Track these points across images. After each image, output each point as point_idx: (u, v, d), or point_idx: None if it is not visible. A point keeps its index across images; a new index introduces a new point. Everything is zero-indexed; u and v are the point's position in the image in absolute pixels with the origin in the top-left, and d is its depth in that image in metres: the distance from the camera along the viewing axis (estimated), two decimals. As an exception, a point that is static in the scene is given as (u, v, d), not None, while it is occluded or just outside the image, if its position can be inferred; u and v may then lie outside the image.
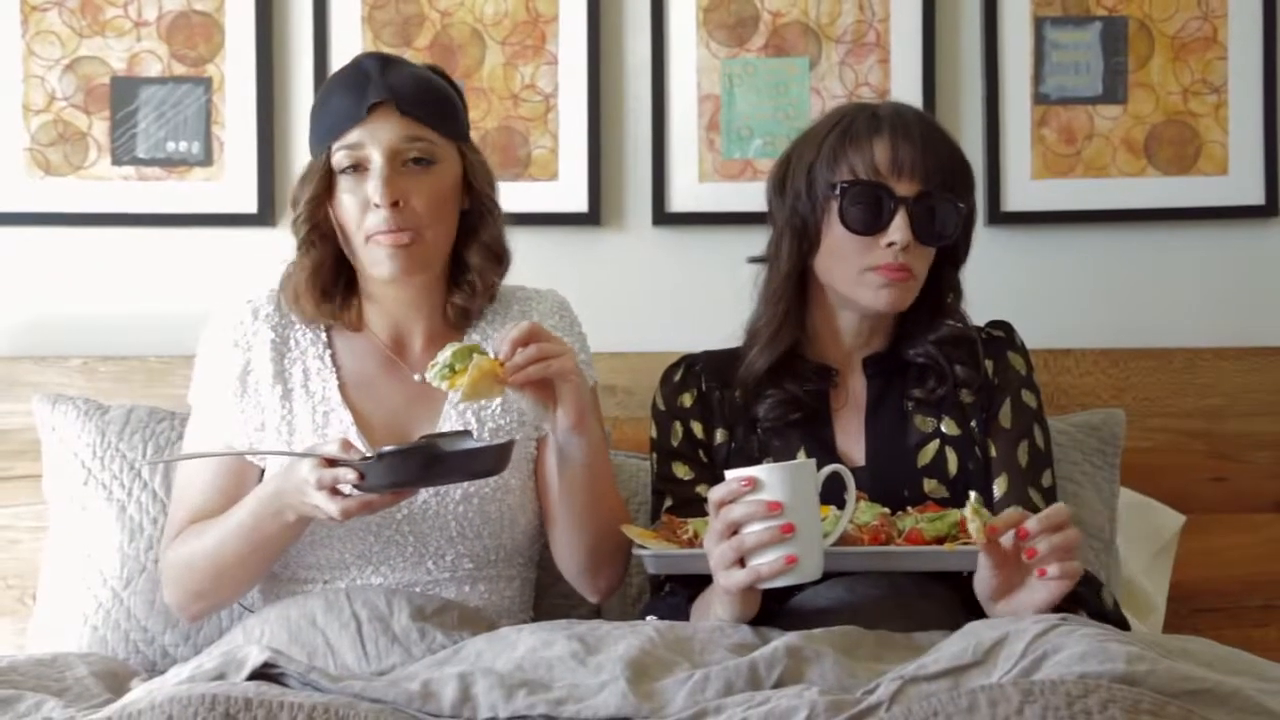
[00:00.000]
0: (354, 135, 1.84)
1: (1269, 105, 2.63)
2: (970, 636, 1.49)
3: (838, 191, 1.86)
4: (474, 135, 2.51)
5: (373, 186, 1.82)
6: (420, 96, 1.86)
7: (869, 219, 1.84)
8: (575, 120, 2.59)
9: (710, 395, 1.97)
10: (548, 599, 2.10)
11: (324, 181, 1.86)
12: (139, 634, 2.07)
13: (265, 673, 1.50)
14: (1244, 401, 2.53)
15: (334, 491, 1.67)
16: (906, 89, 2.60)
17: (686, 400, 1.98)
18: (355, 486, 1.65)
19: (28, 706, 1.57)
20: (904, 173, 1.84)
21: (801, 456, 1.88)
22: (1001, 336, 2.00)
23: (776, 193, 1.96)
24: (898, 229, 1.83)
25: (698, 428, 1.96)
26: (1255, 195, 2.63)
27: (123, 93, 2.57)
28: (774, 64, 2.63)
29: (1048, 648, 1.41)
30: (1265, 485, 2.53)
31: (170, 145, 2.58)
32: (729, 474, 1.65)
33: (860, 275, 1.87)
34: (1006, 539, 1.61)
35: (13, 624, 2.38)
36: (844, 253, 1.87)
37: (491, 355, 1.71)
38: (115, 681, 1.81)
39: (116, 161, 2.58)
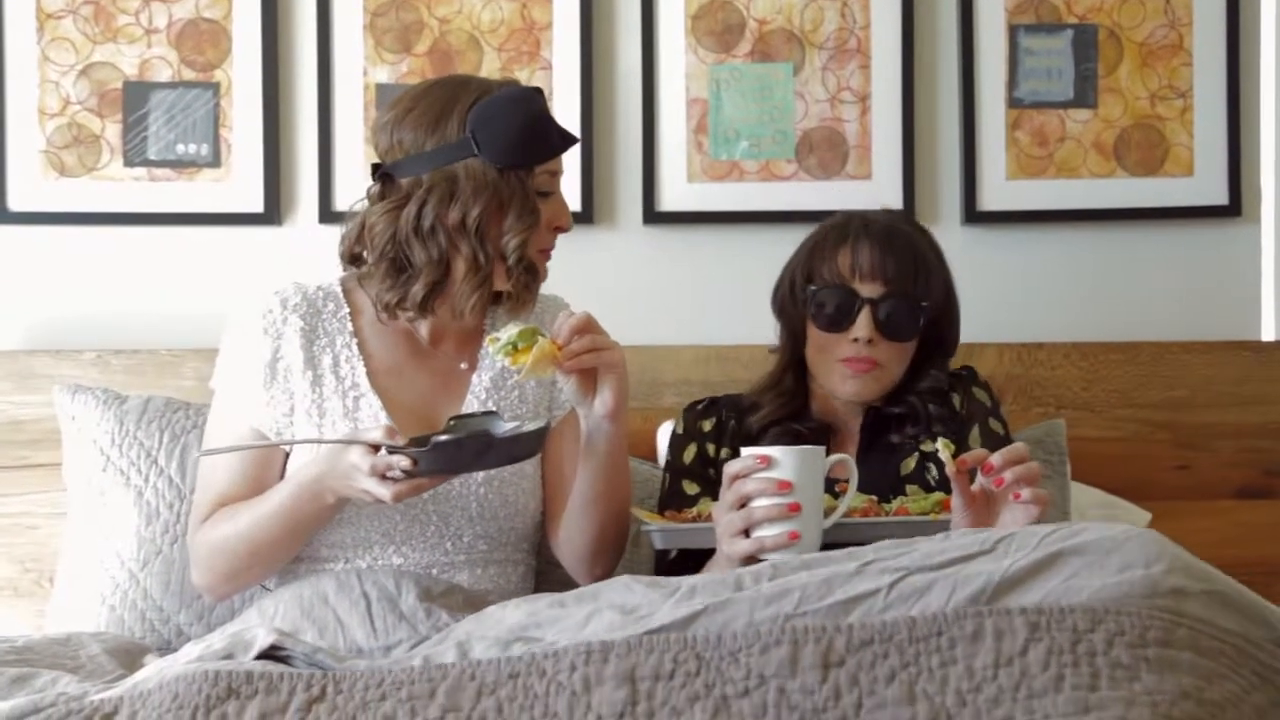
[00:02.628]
0: (555, 164, 1.94)
1: (1232, 109, 2.68)
2: (978, 532, 1.52)
3: (809, 295, 2.06)
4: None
5: (563, 212, 1.95)
6: None
7: (836, 318, 2.04)
8: (568, 123, 2.53)
9: (726, 423, 2.13)
10: (545, 585, 2.11)
11: (537, 208, 1.91)
12: (155, 613, 2.11)
13: (272, 654, 1.52)
14: (1208, 393, 2.58)
15: (383, 476, 1.73)
16: (886, 93, 2.66)
17: (706, 426, 2.13)
18: (405, 472, 1.72)
19: (43, 683, 1.58)
20: (865, 276, 2.03)
21: None
22: (965, 375, 2.16)
23: (774, 296, 2.17)
24: (861, 326, 2.02)
25: (710, 448, 2.11)
26: (1219, 196, 2.68)
27: (134, 97, 2.62)
28: (759, 69, 2.68)
29: (1064, 546, 1.39)
30: (1227, 473, 2.58)
31: (180, 147, 2.62)
32: (745, 450, 1.76)
33: (832, 367, 2.06)
34: (977, 484, 1.73)
35: (31, 605, 2.42)
36: (821, 347, 2.07)
37: (550, 338, 1.79)
38: (128, 658, 1.83)
39: (128, 163, 2.62)
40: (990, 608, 1.31)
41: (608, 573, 2.00)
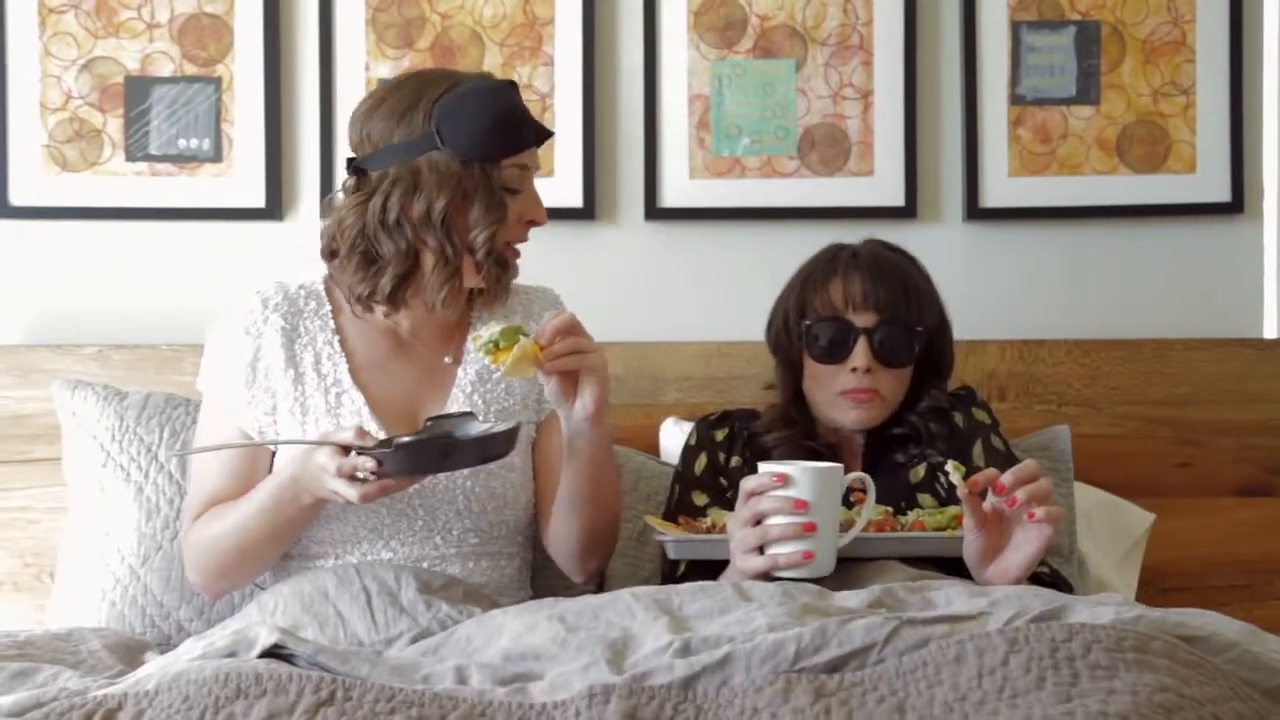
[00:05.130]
0: (525, 157, 1.93)
1: (1235, 106, 2.67)
2: (981, 596, 1.56)
3: (804, 329, 2.06)
4: (473, 133, 2.60)
5: (535, 206, 1.94)
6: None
7: (833, 350, 2.05)
8: (571, 119, 2.64)
9: (739, 434, 2.13)
10: (542, 579, 2.14)
11: (504, 203, 1.91)
12: (155, 609, 2.10)
13: (275, 653, 1.53)
14: (1210, 390, 2.58)
15: (351, 477, 1.73)
16: (888, 90, 2.66)
17: (719, 435, 2.14)
18: (372, 473, 1.72)
19: (45, 678, 1.59)
20: (858, 306, 2.04)
21: None
22: (964, 395, 2.17)
23: (768, 332, 2.17)
24: (858, 356, 2.02)
25: (722, 457, 2.11)
26: (1222, 193, 2.68)
27: (136, 92, 2.61)
28: (762, 65, 2.68)
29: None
30: (1229, 470, 2.58)
31: (182, 142, 2.62)
32: (763, 466, 1.75)
33: (833, 399, 2.06)
34: (988, 502, 1.72)
35: (31, 600, 2.42)
36: (819, 380, 2.07)
37: (533, 339, 1.78)
38: (128, 654, 1.84)
39: (130, 158, 2.61)
40: (970, 633, 1.36)
41: (600, 568, 2.03)
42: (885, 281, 2.05)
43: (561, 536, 1.98)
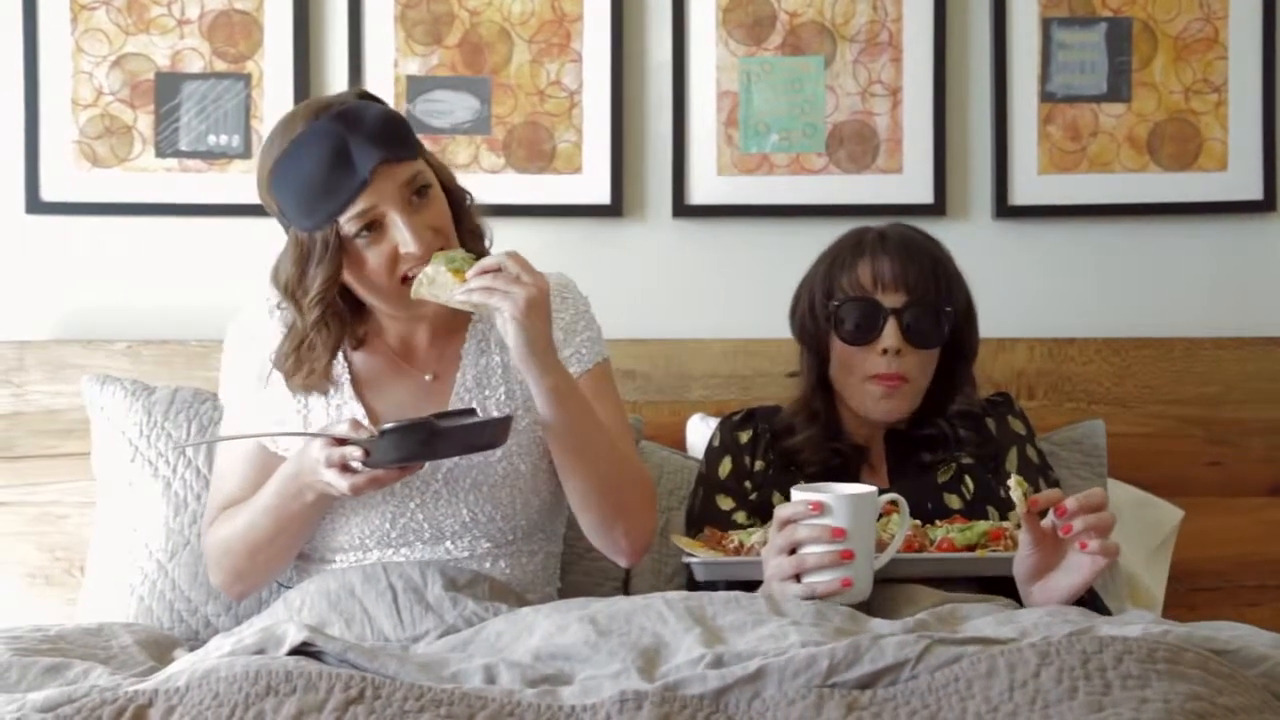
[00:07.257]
0: (362, 203, 1.81)
1: (1268, 104, 2.65)
2: (1011, 623, 1.55)
3: (832, 310, 2.04)
4: (501, 130, 2.62)
5: (404, 239, 1.82)
6: (396, 135, 1.85)
7: (862, 331, 2.02)
8: (599, 115, 2.64)
9: (762, 435, 2.12)
10: (571, 575, 2.14)
11: (337, 258, 1.84)
12: (183, 604, 2.11)
13: (304, 650, 1.54)
14: (1241, 390, 2.57)
15: (344, 469, 1.73)
16: (918, 87, 2.65)
17: (743, 437, 2.12)
18: (363, 463, 1.71)
19: (76, 674, 1.61)
20: (888, 286, 2.02)
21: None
22: (1001, 402, 2.16)
23: (792, 316, 2.15)
24: (888, 336, 2.00)
25: (746, 459, 2.10)
26: (1254, 191, 2.66)
27: (166, 88, 2.63)
28: (790, 62, 2.67)
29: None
30: (1259, 470, 2.57)
31: (211, 138, 2.63)
32: (796, 494, 1.74)
33: (862, 384, 2.04)
34: (1047, 521, 1.70)
35: (61, 594, 2.44)
36: (847, 363, 2.05)
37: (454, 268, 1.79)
38: (158, 650, 1.86)
39: (160, 154, 2.62)
40: (1002, 648, 1.37)
41: (635, 545, 1.94)
42: (914, 262, 2.03)
43: (578, 513, 1.93)
